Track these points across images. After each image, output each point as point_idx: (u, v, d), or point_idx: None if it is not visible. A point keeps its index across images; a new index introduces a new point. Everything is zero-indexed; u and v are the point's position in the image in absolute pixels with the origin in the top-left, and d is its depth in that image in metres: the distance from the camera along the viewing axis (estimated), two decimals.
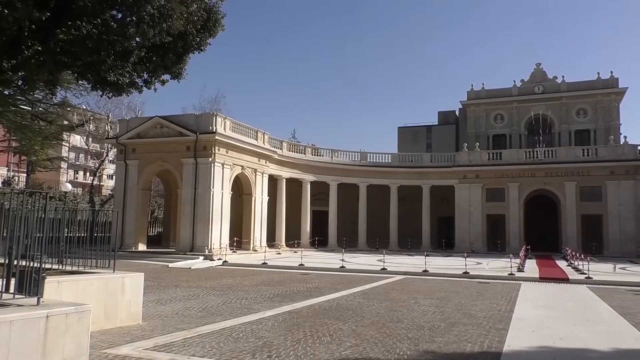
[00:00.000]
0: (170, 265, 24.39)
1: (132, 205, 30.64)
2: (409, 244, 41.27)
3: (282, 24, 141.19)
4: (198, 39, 12.18)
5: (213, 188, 28.88)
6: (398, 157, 44.90)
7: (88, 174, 72.18)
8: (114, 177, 45.05)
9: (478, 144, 46.65)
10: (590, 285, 18.44)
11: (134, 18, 10.34)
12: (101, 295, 9.12)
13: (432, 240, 42.95)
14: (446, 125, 64.89)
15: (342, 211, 42.23)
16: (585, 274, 20.93)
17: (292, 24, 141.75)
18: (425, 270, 22.02)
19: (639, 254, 34.34)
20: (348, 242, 39.75)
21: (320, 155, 42.47)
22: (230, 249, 29.56)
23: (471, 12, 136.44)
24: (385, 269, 22.85)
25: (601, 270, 22.90)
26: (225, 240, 29.54)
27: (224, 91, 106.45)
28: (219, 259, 26.52)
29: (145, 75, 12.40)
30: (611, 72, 49.50)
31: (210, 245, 28.30)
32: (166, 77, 12.98)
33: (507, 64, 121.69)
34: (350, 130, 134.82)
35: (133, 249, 29.81)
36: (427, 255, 26.05)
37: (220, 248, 28.39)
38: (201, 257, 26.92)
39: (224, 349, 7.95)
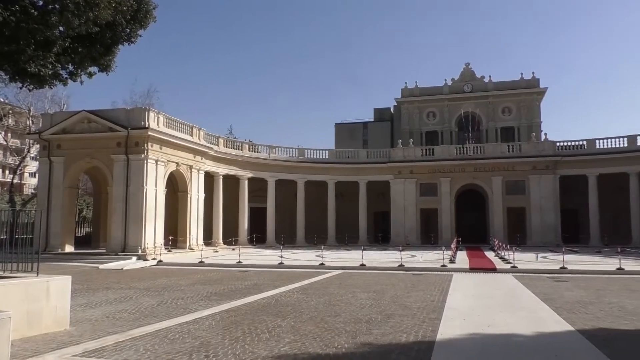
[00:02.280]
0: (101, 266, 23.33)
1: (58, 205, 28.98)
2: (347, 238, 41.93)
3: (215, 18, 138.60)
4: (128, 30, 11.70)
5: (146, 185, 27.90)
6: (335, 154, 45.40)
7: (7, 171, 67.63)
8: (37, 174, 42.46)
9: (412, 140, 48.09)
10: (516, 274, 19.52)
11: (56, 6, 9.75)
12: (23, 301, 8.55)
13: (368, 234, 43.85)
14: (381, 122, 66.31)
15: (281, 208, 42.17)
16: (511, 263, 22.15)
17: (225, 18, 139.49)
18: (363, 265, 22.43)
19: (558, 243, 36.73)
20: (287, 239, 39.78)
21: (257, 152, 42.12)
22: (166, 248, 28.70)
23: (406, 9, 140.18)
24: (324, 264, 23.06)
25: (525, 259, 24.28)
26: (160, 239, 28.64)
27: (156, 86, 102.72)
28: (154, 259, 25.69)
29: (70, 66, 11.74)
30: (533, 72, 52.73)
31: (144, 245, 27.34)
32: (94, 69, 12.36)
33: (439, 63, 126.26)
34: (288, 126, 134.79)
35: (59, 251, 28.23)
36: (364, 249, 26.53)
37: (155, 247, 27.50)
38: (134, 258, 25.97)
39: (158, 351, 7.71)
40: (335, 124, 68.96)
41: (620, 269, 19.87)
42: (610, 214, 39.37)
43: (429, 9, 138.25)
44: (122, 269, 22.73)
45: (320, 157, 44.50)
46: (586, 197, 39.51)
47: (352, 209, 43.82)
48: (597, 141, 40.39)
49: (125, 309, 11.62)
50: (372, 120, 68.01)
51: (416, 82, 55.14)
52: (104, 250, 28.53)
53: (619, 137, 39.45)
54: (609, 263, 22.15)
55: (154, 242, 27.93)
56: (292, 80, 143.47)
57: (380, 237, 42.86)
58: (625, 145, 38.87)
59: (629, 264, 21.40)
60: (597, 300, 12.85)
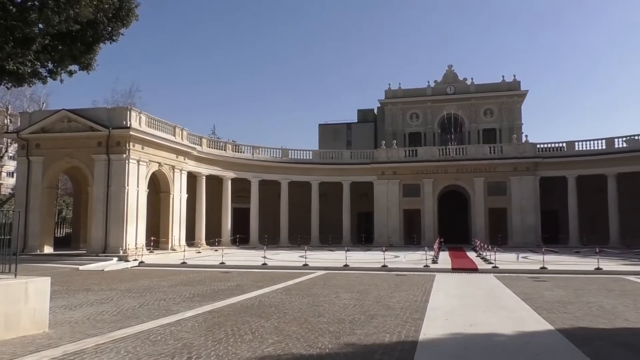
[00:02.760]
0: (81, 267, 22.97)
1: (37, 205, 28.45)
2: (330, 239, 41.98)
3: (199, 17, 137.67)
4: (109, 28, 11.55)
5: (128, 186, 27.57)
6: (319, 154, 45.43)
7: None
8: (15, 174, 41.65)
9: (395, 141, 48.38)
10: (497, 274, 19.75)
11: (36, 2, 9.58)
12: (1, 303, 8.37)
13: (352, 235, 43.97)
14: (365, 123, 66.54)
15: (264, 208, 42.05)
16: (492, 263, 22.42)
17: (209, 17, 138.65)
18: (346, 265, 22.48)
19: (538, 243, 37.28)
20: (270, 239, 39.66)
21: (241, 152, 41.95)
22: (147, 249, 28.39)
23: (389, 10, 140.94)
24: (307, 264, 23.04)
25: (506, 259, 24.59)
26: (142, 240, 28.33)
27: (138, 85, 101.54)
28: (135, 260, 25.39)
29: (50, 64, 11.55)
30: (514, 75, 53.48)
31: (125, 246, 27.01)
32: (74, 67, 12.17)
33: (423, 65, 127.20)
34: (272, 127, 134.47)
35: (38, 252, 27.72)
36: (348, 250, 26.58)
37: (136, 248, 27.18)
38: (115, 259, 25.63)
39: (140, 353, 7.61)
40: (319, 124, 68.99)
41: (598, 269, 20.24)
42: (589, 214, 40.08)
43: (413, 10, 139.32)
44: (102, 270, 22.41)
45: (304, 157, 44.48)
46: (566, 198, 40.18)
47: (336, 209, 43.89)
48: (576, 143, 41.13)
49: (106, 311, 11.47)
50: (356, 121, 68.20)
51: (399, 83, 55.53)
52: (84, 252, 28.10)
53: (597, 140, 40.24)
54: (588, 263, 22.55)
55: (136, 243, 27.61)
56: (276, 81, 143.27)
57: (364, 237, 43.00)
58: (604, 147, 39.64)
59: (607, 264, 21.82)
60: (576, 300, 13.07)
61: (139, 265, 24.69)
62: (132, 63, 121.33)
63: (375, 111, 63.53)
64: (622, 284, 16.50)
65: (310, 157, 44.62)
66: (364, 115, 67.15)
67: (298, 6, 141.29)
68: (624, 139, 39.50)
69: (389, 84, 55.79)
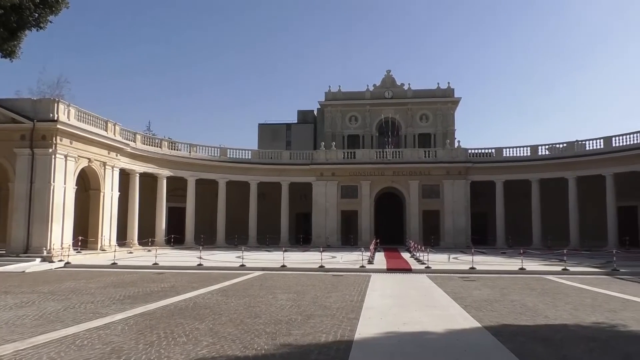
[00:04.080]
0: None
1: None
2: (268, 240, 41.78)
3: (134, 8, 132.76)
4: (36, 14, 10.89)
5: (54, 182, 26.06)
6: (258, 154, 45.11)
7: None
8: None
9: (334, 143, 48.94)
10: (430, 274, 20.43)
11: None
12: None
13: (290, 235, 43.98)
14: (305, 124, 66.86)
15: (201, 208, 41.18)
16: (426, 264, 23.17)
17: (144, 9, 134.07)
18: (284, 266, 22.44)
19: (468, 244, 38.95)
20: (207, 240, 38.92)
21: (177, 150, 40.84)
22: (75, 249, 26.96)
23: (329, 10, 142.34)
24: (244, 265, 22.80)
25: (438, 260, 25.48)
26: (68, 239, 26.86)
27: (67, 76, 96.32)
28: (61, 261, 24.06)
29: None
30: (448, 82, 55.72)
31: (50, 246, 25.51)
32: None
33: (363, 69, 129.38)
34: (210, 125, 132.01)
35: None
36: (286, 250, 26.56)
37: (62, 249, 25.74)
38: (38, 259, 24.16)
39: (64, 359, 7.21)
40: (259, 124, 68.65)
41: (522, 269, 21.41)
42: (515, 217, 42.41)
43: (353, 11, 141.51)
44: (23, 271, 21.04)
45: (243, 157, 44.01)
46: (494, 202, 42.28)
47: (274, 209, 43.75)
48: (504, 150, 43.40)
49: (26, 315, 10.76)
50: (296, 121, 68.36)
51: (339, 86, 56.26)
52: (4, 252, 26.24)
53: (523, 147, 42.69)
54: (513, 264, 23.76)
55: (62, 243, 26.15)
56: (215, 78, 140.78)
57: (302, 238, 43.14)
58: (528, 154, 42.14)
59: (530, 264, 23.17)
60: (502, 299, 13.75)
61: (64, 266, 23.43)
62: (61, 53, 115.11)
63: (315, 112, 64.00)
64: (543, 283, 17.56)
65: (250, 157, 44.21)
66: (304, 116, 67.43)
67: (236, 2, 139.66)
68: (547, 146, 42.22)
69: (329, 86, 56.45)
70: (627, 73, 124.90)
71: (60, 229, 26.43)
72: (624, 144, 36.21)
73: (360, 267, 22.42)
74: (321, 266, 22.28)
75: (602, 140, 37.98)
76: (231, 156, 43.40)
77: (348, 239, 42.42)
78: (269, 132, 66.49)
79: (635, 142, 35.26)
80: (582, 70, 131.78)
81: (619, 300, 13.42)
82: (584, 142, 39.44)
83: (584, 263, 25.11)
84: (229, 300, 12.99)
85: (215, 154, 42.80)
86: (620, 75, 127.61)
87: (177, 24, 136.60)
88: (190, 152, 41.25)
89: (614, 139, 37.11)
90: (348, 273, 20.89)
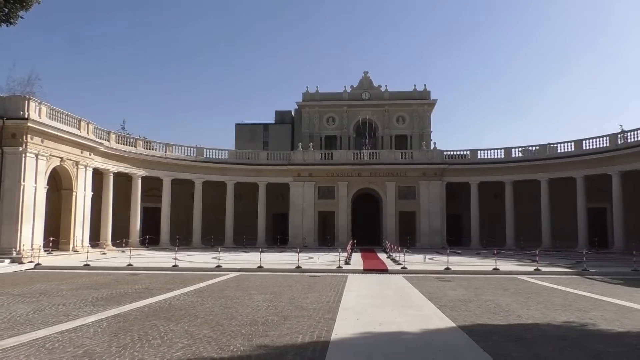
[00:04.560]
0: None
1: None
2: (245, 240, 41.53)
3: (107, 5, 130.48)
4: (7, 9, 10.61)
5: (24, 182, 25.39)
6: (235, 154, 44.81)
7: None
8: None
9: (312, 143, 48.97)
10: (405, 275, 20.61)
11: None
12: None
13: (267, 236, 43.81)
14: (282, 124, 66.71)
15: (177, 208, 40.69)
16: (402, 264, 23.35)
17: (119, 7, 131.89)
18: (260, 266, 22.33)
19: (444, 245, 39.43)
20: (182, 240, 38.49)
21: (152, 149, 40.26)
22: (45, 251, 26.33)
23: (306, 9, 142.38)
24: (221, 266, 22.62)
25: (414, 261, 25.73)
26: (39, 240, 26.19)
27: (39, 73, 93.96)
28: (31, 262, 23.47)
29: None
30: (425, 85, 56.28)
31: (20, 247, 24.84)
32: None
33: (341, 70, 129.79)
34: (186, 124, 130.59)
35: None
36: (263, 251, 26.45)
37: (33, 249, 25.10)
38: (7, 261, 23.49)
39: None
40: (236, 124, 68.24)
41: (496, 269, 21.78)
42: (489, 218, 43.10)
43: (330, 12, 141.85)
44: None
45: (220, 157, 43.65)
46: (469, 203, 42.87)
47: (251, 210, 43.51)
48: (478, 152, 44.06)
49: None
50: (273, 122, 68.16)
51: (317, 87, 56.33)
52: None
53: (496, 149, 43.43)
54: (487, 264, 24.14)
55: (32, 244, 25.50)
56: (192, 77, 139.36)
57: (279, 238, 43.02)
58: (502, 156, 42.88)
59: (503, 265, 23.59)
60: (476, 298, 13.97)
61: (35, 268, 22.88)
62: (33, 50, 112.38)
63: (293, 113, 63.92)
64: (516, 283, 17.90)
65: (226, 157, 43.88)
66: (282, 117, 67.29)
67: (213, 2, 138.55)
68: (520, 149, 43.05)
69: (307, 87, 56.45)
70: (599, 73, 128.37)
71: (31, 229, 25.77)
72: (594, 147, 37.20)
73: (337, 267, 22.48)
74: (298, 267, 22.25)
75: (572, 143, 38.93)
76: (208, 156, 43.01)
77: (325, 239, 42.46)
78: (246, 132, 66.14)
79: (605, 145, 36.26)
80: (554, 71, 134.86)
81: (588, 300, 13.77)
82: (555, 145, 40.35)
83: (556, 263, 25.69)
84: (204, 302, 12.87)
85: (192, 154, 42.36)
86: (594, 75, 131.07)
87: (154, 23, 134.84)
88: (165, 152, 40.73)
89: (584, 142, 38.09)
90: (325, 274, 20.91)
